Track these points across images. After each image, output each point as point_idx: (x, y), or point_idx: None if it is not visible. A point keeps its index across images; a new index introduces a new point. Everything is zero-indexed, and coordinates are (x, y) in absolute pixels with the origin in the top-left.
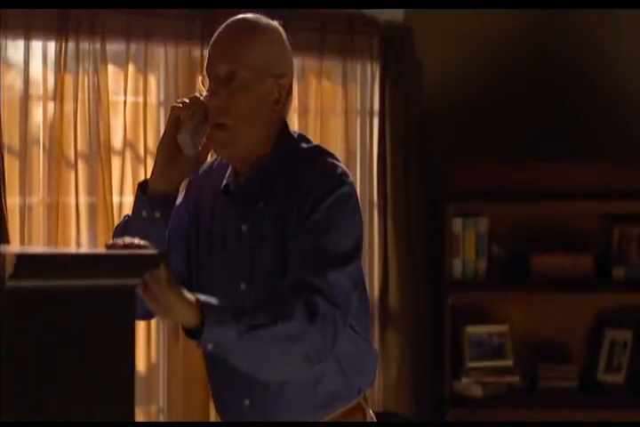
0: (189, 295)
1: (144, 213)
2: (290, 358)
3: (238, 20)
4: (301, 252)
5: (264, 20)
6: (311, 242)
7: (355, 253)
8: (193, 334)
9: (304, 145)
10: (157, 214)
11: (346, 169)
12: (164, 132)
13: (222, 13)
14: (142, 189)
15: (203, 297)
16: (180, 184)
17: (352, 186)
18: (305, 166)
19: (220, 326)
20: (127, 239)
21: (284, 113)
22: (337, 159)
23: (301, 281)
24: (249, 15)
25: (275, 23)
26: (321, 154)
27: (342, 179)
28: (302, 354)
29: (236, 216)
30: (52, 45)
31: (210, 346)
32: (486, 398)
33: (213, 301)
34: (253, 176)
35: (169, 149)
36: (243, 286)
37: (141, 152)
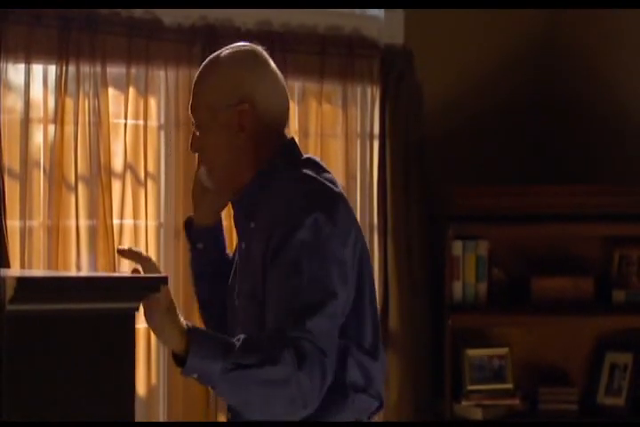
0: (184, 324)
1: (188, 246)
2: (275, 401)
3: (206, 61)
4: (278, 293)
5: (231, 51)
6: (286, 284)
7: (335, 287)
8: (180, 362)
9: (289, 170)
10: (200, 246)
11: (328, 193)
12: (197, 168)
13: (223, 36)
14: (187, 224)
15: (198, 328)
16: (216, 216)
17: (326, 211)
18: (280, 196)
19: (203, 359)
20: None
21: (260, 137)
22: (318, 182)
23: (284, 329)
24: (222, 50)
25: (245, 49)
26: (298, 181)
27: (312, 208)
28: (288, 399)
29: (238, 235)
30: (52, 68)
31: (195, 375)
32: (486, 421)
33: (206, 334)
34: (240, 201)
35: (197, 184)
36: (237, 302)
37: (142, 175)
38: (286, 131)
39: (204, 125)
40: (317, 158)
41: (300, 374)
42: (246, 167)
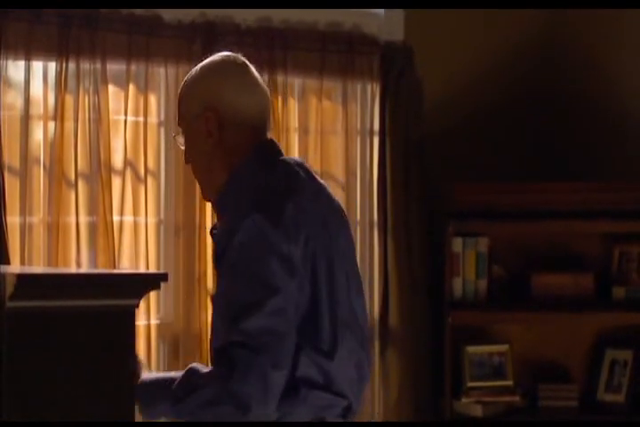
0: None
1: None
2: (221, 417)
3: None
4: (222, 296)
5: (202, 62)
6: (228, 287)
7: (277, 282)
8: None
9: (261, 171)
10: None
11: (275, 193)
12: None
13: (223, 32)
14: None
15: (150, 377)
16: None
17: (267, 211)
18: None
19: (152, 406)
20: None
21: (230, 141)
22: (269, 183)
23: (224, 336)
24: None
25: (214, 59)
26: (255, 181)
27: (253, 209)
28: (229, 412)
29: None
30: (52, 65)
31: (160, 417)
32: (486, 417)
33: (148, 382)
34: (215, 204)
35: None
36: None
37: (142, 172)
38: (269, 132)
39: (184, 135)
40: (296, 159)
41: (231, 386)
42: (221, 171)
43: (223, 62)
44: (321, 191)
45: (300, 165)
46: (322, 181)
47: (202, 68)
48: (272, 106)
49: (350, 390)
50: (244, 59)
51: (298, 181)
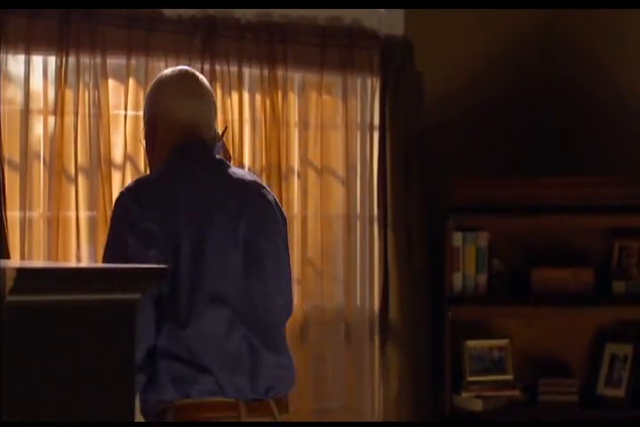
0: None
1: None
2: None
3: None
4: None
5: (159, 75)
6: None
7: (127, 253)
8: None
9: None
10: None
11: (153, 182)
12: None
13: (223, 27)
14: None
15: None
16: None
17: (135, 192)
18: None
19: None
20: None
21: (164, 142)
22: (158, 176)
23: None
24: None
25: (161, 74)
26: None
27: (124, 190)
28: None
29: None
30: (52, 59)
31: None
32: (486, 412)
33: None
34: None
35: None
36: None
37: (142, 166)
38: (209, 135)
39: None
40: (214, 158)
41: None
42: (155, 168)
43: (168, 74)
44: (235, 186)
45: (213, 163)
46: (243, 178)
47: (154, 80)
48: (215, 111)
49: (220, 367)
50: (193, 71)
51: (191, 174)
